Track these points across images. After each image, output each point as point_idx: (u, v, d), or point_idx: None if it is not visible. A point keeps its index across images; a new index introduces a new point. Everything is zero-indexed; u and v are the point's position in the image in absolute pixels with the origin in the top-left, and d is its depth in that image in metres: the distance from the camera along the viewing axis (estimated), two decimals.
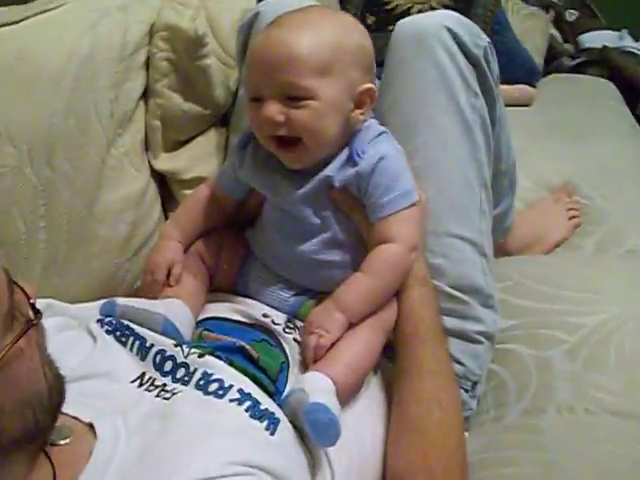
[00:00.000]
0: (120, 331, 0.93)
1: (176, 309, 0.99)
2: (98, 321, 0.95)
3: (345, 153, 0.99)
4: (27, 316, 0.71)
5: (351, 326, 0.97)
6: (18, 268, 1.14)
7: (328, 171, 0.99)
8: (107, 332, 0.93)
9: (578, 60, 2.69)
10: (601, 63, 2.67)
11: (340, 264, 1.02)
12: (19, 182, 1.11)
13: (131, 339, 0.93)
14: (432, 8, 2.16)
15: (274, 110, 0.94)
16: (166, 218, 1.36)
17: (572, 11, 2.92)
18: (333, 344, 0.94)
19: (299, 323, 1.03)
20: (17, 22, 1.14)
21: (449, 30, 1.15)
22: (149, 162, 1.32)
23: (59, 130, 1.14)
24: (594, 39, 2.80)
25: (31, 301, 0.73)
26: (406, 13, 2.16)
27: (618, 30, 2.86)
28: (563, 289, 1.34)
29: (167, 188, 1.37)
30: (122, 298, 1.00)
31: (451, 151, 1.16)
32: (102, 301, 0.99)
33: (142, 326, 0.94)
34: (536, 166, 1.77)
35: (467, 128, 1.16)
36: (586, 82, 2.49)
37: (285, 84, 0.93)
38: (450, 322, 1.11)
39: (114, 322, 0.95)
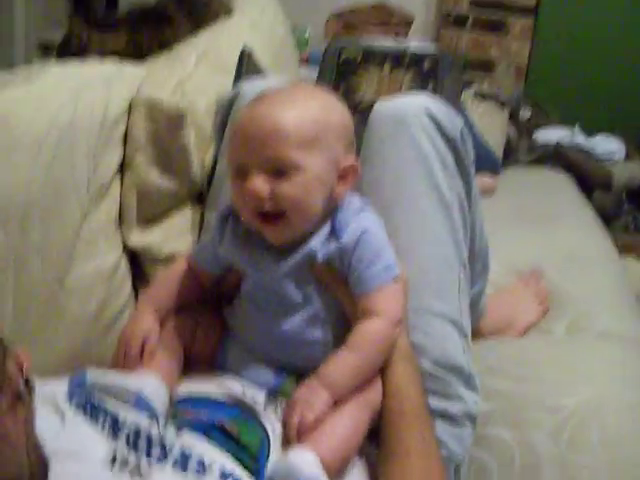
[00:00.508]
0: (90, 406, 0.89)
1: (150, 383, 0.96)
2: (67, 395, 0.91)
3: (327, 227, 0.99)
4: (17, 388, 0.67)
5: (336, 404, 0.94)
6: None
7: (311, 245, 0.98)
8: (76, 407, 0.89)
9: (534, 155, 2.78)
10: (555, 158, 2.77)
11: (323, 342, 1.01)
12: None
13: (102, 415, 0.88)
14: None
15: (260, 184, 0.93)
16: (136, 296, 1.32)
17: (526, 110, 3.03)
18: (318, 422, 0.92)
19: (280, 400, 1.00)
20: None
21: (428, 113, 1.17)
22: (122, 237, 1.29)
23: (35, 198, 1.12)
24: (548, 135, 2.91)
25: (24, 369, 0.68)
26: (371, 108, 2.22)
27: (570, 126, 2.97)
28: (541, 371, 1.35)
29: (138, 265, 1.34)
30: (93, 369, 0.97)
31: (431, 231, 1.17)
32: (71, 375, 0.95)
33: (114, 400, 0.91)
34: (504, 251, 1.78)
35: (446, 209, 1.18)
36: (544, 174, 2.59)
37: (271, 157, 0.93)
38: (432, 401, 1.09)
39: (84, 396, 0.90)
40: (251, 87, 1.26)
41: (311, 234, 0.99)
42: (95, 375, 0.94)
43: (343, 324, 1.01)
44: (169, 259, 1.30)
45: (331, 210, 0.99)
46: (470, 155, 1.22)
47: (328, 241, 0.98)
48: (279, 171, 0.93)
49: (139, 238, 1.31)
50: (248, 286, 1.04)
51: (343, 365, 0.95)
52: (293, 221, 0.96)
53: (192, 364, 1.06)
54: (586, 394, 1.25)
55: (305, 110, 0.96)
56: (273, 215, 0.95)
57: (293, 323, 1.00)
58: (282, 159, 0.93)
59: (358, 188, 1.07)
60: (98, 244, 1.23)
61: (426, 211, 1.17)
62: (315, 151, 0.95)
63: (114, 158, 1.26)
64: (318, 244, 0.98)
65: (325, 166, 0.96)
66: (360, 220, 0.99)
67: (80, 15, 1.91)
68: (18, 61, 3.82)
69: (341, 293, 1.00)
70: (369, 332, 0.97)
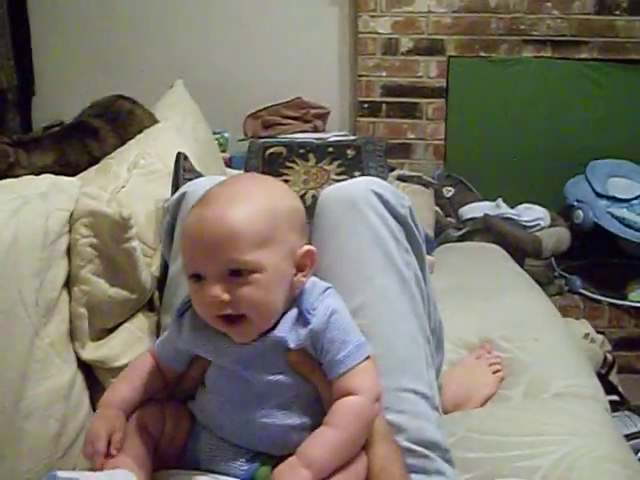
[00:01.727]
0: None
1: (121, 475, 0.92)
2: None
3: (294, 313, 0.98)
4: None
5: None
6: None
7: (279, 332, 0.97)
8: None
9: (463, 230, 2.85)
10: (484, 230, 2.84)
11: (297, 427, 0.98)
12: None
13: None
14: None
15: (219, 290, 0.92)
16: (94, 410, 1.28)
17: (449, 188, 3.12)
18: None
19: None
20: None
21: (376, 193, 1.20)
22: (75, 352, 1.26)
23: None
24: (474, 210, 2.99)
25: None
26: (302, 198, 2.26)
27: (493, 200, 3.06)
28: (508, 436, 1.36)
29: (94, 376, 1.30)
30: (62, 471, 0.92)
31: (392, 307, 1.19)
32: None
33: None
34: (451, 326, 1.78)
35: (404, 284, 1.19)
36: (475, 247, 2.64)
37: (226, 261, 0.92)
38: (414, 478, 1.08)
39: None
40: (197, 186, 1.27)
41: (277, 320, 0.97)
42: (65, 476, 0.90)
43: (317, 408, 0.99)
44: None
45: (293, 297, 0.99)
46: (420, 230, 1.24)
47: (296, 327, 0.97)
48: (237, 273, 0.93)
49: (93, 352, 1.27)
50: (213, 375, 1.02)
51: (323, 442, 0.93)
52: (255, 321, 0.95)
53: (164, 456, 1.02)
54: (559, 452, 1.27)
55: (252, 206, 0.95)
56: (236, 317, 0.94)
57: (265, 411, 0.97)
58: (237, 263, 0.92)
59: (314, 274, 1.08)
60: (51, 361, 1.19)
61: (386, 288, 1.19)
62: (270, 247, 0.94)
63: (60, 272, 1.24)
64: (286, 330, 0.97)
65: (282, 260, 0.96)
66: (326, 301, 0.99)
67: (4, 136, 1.89)
68: None
69: (315, 378, 0.98)
70: (349, 408, 0.95)
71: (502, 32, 3.38)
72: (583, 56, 3.37)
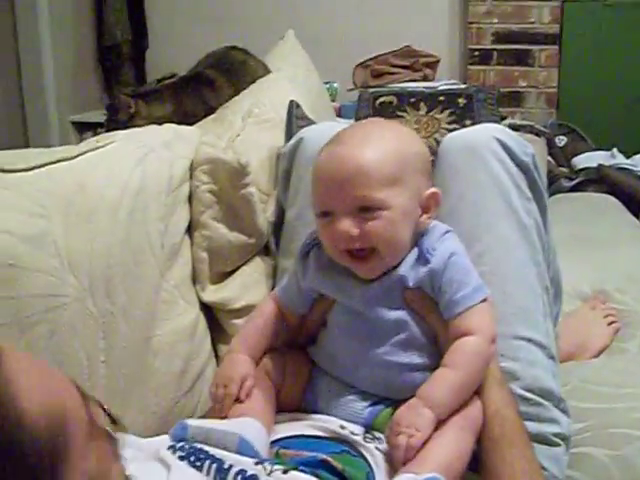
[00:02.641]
0: (194, 455, 0.87)
1: (250, 427, 0.95)
2: (169, 447, 0.89)
3: (414, 253, 1.00)
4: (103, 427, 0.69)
5: (438, 425, 0.93)
6: None
7: (401, 271, 0.99)
8: (180, 458, 0.86)
9: (576, 180, 2.78)
10: (598, 181, 2.76)
11: (416, 366, 1.00)
12: (81, 314, 1.09)
13: (207, 462, 0.85)
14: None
15: (348, 224, 0.95)
16: (215, 351, 1.34)
17: (561, 137, 3.03)
18: (423, 444, 0.91)
19: (377, 434, 0.99)
20: (73, 157, 1.17)
21: (498, 140, 1.20)
22: (197, 294, 1.31)
23: (117, 261, 1.14)
24: (587, 160, 2.90)
25: (107, 411, 0.72)
26: None
27: (608, 150, 2.97)
28: (622, 388, 1.35)
29: (215, 319, 1.35)
30: (193, 419, 0.97)
31: (512, 255, 1.19)
32: (172, 428, 0.95)
33: (217, 447, 0.89)
34: (566, 277, 1.77)
35: (525, 232, 1.19)
36: (589, 198, 2.58)
37: (357, 197, 0.95)
38: (528, 425, 1.08)
39: (187, 446, 0.89)
40: (313, 133, 1.29)
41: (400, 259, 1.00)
42: (195, 425, 0.93)
43: (435, 349, 1.01)
44: (246, 310, 1.31)
45: (417, 237, 1.00)
46: (543, 180, 1.23)
47: (416, 266, 0.99)
48: (366, 209, 0.95)
49: (214, 294, 1.32)
50: (337, 315, 1.04)
51: (444, 384, 0.94)
52: (384, 256, 0.97)
53: (283, 405, 1.06)
54: None
55: (383, 147, 0.98)
56: (364, 252, 0.97)
57: (386, 348, 1.00)
58: (367, 199, 0.95)
59: (436, 218, 1.08)
60: (177, 303, 1.24)
61: (506, 236, 1.18)
62: (398, 187, 0.96)
63: (182, 217, 1.29)
64: (407, 269, 0.99)
65: (408, 199, 0.98)
66: (446, 243, 1.00)
67: (124, 88, 1.97)
68: (54, 141, 3.91)
69: (432, 318, 1.00)
70: (467, 349, 0.96)
71: None
72: None
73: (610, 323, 1.66)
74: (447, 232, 1.02)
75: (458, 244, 1.02)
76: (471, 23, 3.41)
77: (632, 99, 3.31)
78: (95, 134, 3.69)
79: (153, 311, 1.19)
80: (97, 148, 1.21)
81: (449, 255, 0.98)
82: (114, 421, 0.80)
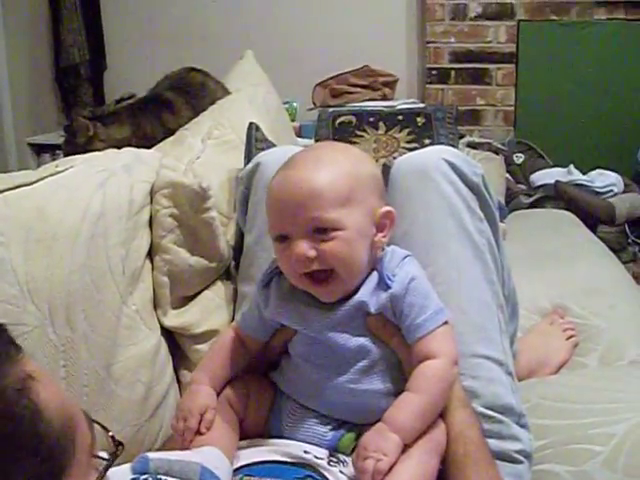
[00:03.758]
0: None
1: (211, 456, 0.95)
2: None
3: (374, 277, 1.01)
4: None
5: (404, 449, 0.94)
6: None
7: (361, 296, 1.00)
8: None
9: (535, 197, 2.82)
10: (556, 197, 2.81)
11: (380, 392, 1.01)
12: (41, 342, 1.08)
13: None
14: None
15: (304, 246, 0.96)
16: (178, 377, 1.33)
17: (519, 154, 3.08)
18: (390, 468, 0.91)
19: (342, 456, 1.00)
20: (32, 183, 1.16)
21: (448, 162, 1.22)
22: (158, 319, 1.30)
23: (77, 288, 1.13)
24: (545, 177, 2.95)
25: (110, 434, 0.78)
26: None
27: (565, 166, 3.01)
28: (582, 404, 1.34)
29: (177, 344, 1.35)
30: (154, 452, 0.96)
31: (466, 275, 1.20)
32: (132, 462, 0.94)
33: (179, 478, 0.89)
34: (525, 293, 1.79)
35: (477, 252, 1.21)
36: (547, 214, 2.61)
37: (311, 219, 0.96)
38: (490, 443, 1.09)
39: (150, 479, 0.89)
40: (270, 157, 1.30)
41: (359, 285, 1.01)
42: (156, 458, 0.92)
43: (398, 373, 1.01)
44: (207, 335, 1.31)
45: (374, 261, 1.01)
46: (494, 199, 1.25)
47: (377, 292, 1.00)
48: (321, 231, 0.96)
49: (175, 319, 1.32)
50: (299, 344, 1.05)
51: (409, 408, 0.95)
52: (342, 277, 0.98)
53: (247, 431, 1.06)
54: (634, 419, 1.25)
55: (335, 169, 0.99)
56: (322, 275, 0.97)
57: (349, 376, 1.00)
58: (321, 220, 0.96)
59: (391, 241, 1.10)
60: (138, 328, 1.24)
61: (459, 256, 1.20)
62: (351, 207, 0.97)
63: (143, 242, 1.28)
64: (367, 294, 1.00)
65: (363, 219, 0.99)
66: (406, 267, 1.01)
67: (82, 110, 1.96)
68: (11, 163, 3.87)
69: (395, 343, 1.01)
70: (430, 373, 0.97)
71: None
72: None
73: (569, 337, 1.67)
74: (406, 257, 1.04)
75: (418, 268, 1.03)
76: (429, 43, 3.45)
77: (587, 116, 3.36)
78: (53, 156, 3.67)
79: (114, 337, 1.18)
80: (57, 173, 1.20)
81: (409, 280, 1.00)
82: (118, 443, 0.83)
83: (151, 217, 1.31)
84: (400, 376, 1.01)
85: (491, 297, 1.21)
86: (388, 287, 0.99)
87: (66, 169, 1.21)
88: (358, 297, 1.00)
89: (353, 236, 0.97)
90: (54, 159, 3.17)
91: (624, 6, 3.28)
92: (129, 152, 1.34)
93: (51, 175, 1.19)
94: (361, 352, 1.01)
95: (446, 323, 1.00)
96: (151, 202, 1.31)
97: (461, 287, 1.19)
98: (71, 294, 1.12)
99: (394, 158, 2.27)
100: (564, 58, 3.36)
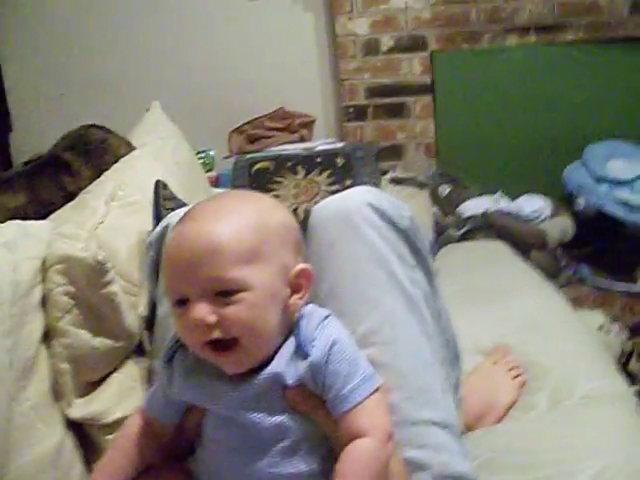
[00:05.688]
0: None
1: None
2: None
3: (291, 344, 0.89)
4: None
5: None
6: None
7: (275, 367, 0.88)
8: None
9: (464, 229, 2.77)
10: (486, 227, 2.76)
11: (305, 474, 0.89)
12: None
13: None
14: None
15: (204, 311, 0.84)
16: (90, 472, 1.18)
17: (445, 186, 3.03)
18: None
19: None
20: None
21: (371, 206, 1.10)
22: (61, 412, 1.15)
23: None
24: (472, 207, 2.91)
25: None
26: (294, 213, 2.17)
27: (492, 193, 2.98)
28: (537, 454, 1.27)
29: (86, 435, 1.20)
30: None
31: (401, 332, 1.09)
32: None
33: None
34: (465, 332, 1.70)
35: (412, 304, 1.10)
36: (479, 246, 2.58)
37: (211, 279, 0.84)
38: None
39: None
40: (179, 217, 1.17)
41: (273, 354, 0.88)
42: None
43: (325, 450, 0.90)
44: (120, 424, 1.15)
45: (290, 324, 0.90)
46: (425, 242, 1.14)
47: (295, 360, 0.88)
48: (223, 293, 0.84)
49: (82, 409, 1.17)
50: (211, 425, 0.92)
51: None
52: (248, 347, 0.86)
53: None
54: (595, 467, 1.19)
55: (238, 220, 0.88)
56: (225, 343, 0.85)
57: (269, 459, 0.88)
58: (223, 281, 0.84)
59: (313, 299, 0.97)
60: (34, 427, 1.09)
61: (393, 311, 1.08)
62: (258, 263, 0.86)
63: (35, 327, 1.14)
64: (283, 365, 0.88)
65: (273, 278, 0.87)
66: (326, 330, 0.90)
67: None
68: None
69: (320, 417, 0.89)
70: (361, 456, 0.85)
71: (483, 22, 3.31)
72: (568, 39, 3.31)
73: (515, 376, 1.59)
74: (327, 317, 0.92)
75: (340, 329, 0.91)
76: (343, 80, 3.40)
77: (509, 141, 3.35)
78: None
79: (6, 442, 1.03)
80: None
81: (331, 344, 0.88)
82: None
83: (44, 297, 1.16)
84: (327, 453, 0.89)
85: (430, 354, 1.10)
86: (307, 355, 0.87)
87: None
88: (272, 368, 0.88)
89: (261, 299, 0.85)
90: None
91: (534, 30, 3.30)
92: (11, 226, 1.19)
93: None
94: (280, 432, 0.88)
95: (377, 390, 0.89)
96: (43, 280, 1.16)
97: (397, 346, 1.07)
98: None
99: (316, 203, 2.18)
100: (480, 85, 3.35)
